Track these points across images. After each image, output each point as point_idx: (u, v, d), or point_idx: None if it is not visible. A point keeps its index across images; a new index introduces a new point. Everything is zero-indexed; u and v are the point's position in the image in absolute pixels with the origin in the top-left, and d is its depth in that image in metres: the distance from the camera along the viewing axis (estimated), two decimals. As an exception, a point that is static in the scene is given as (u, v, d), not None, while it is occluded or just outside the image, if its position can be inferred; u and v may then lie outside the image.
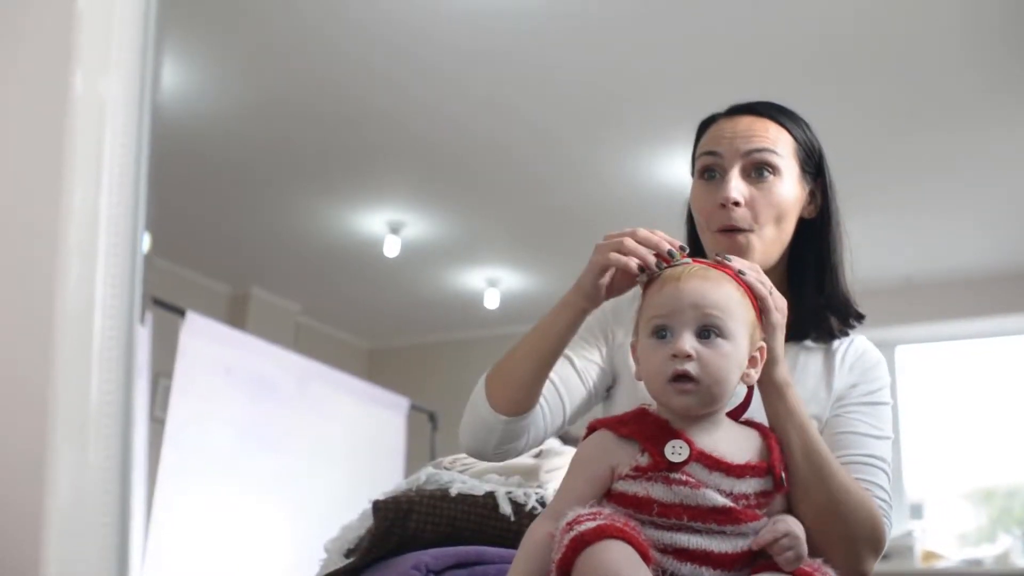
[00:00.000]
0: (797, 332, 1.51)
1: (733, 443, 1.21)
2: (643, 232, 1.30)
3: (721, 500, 1.15)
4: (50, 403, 0.81)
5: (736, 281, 1.24)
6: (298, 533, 4.52)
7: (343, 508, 2.30)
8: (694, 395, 1.18)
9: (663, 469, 1.16)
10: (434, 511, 1.81)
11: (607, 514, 1.14)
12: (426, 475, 1.93)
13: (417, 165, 4.80)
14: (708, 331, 1.19)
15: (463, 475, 1.94)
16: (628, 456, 1.19)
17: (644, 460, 1.17)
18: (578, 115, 4.30)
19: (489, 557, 1.74)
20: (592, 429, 1.25)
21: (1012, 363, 5.82)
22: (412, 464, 5.14)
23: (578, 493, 1.19)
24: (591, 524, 1.10)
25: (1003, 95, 3.97)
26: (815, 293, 1.54)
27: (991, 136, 4.26)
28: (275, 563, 4.47)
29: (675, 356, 1.17)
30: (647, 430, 1.20)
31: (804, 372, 1.51)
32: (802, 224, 1.56)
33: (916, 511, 5.80)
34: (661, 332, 1.20)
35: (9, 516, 0.80)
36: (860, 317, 1.56)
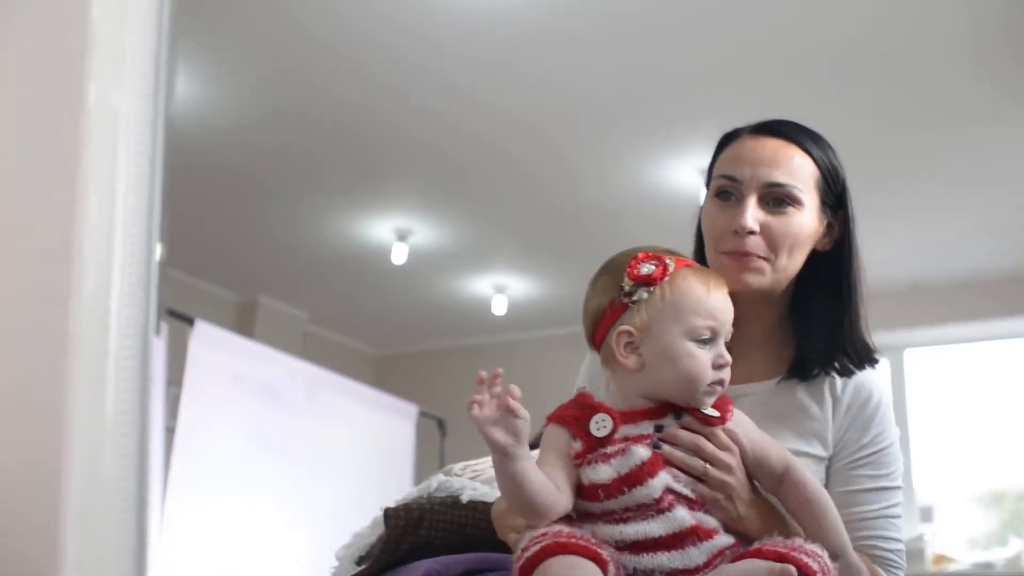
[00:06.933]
0: (798, 370, 1.48)
1: None
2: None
3: (645, 453, 1.22)
4: (66, 414, 0.81)
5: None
6: (308, 540, 4.53)
7: (352, 515, 2.30)
8: (717, 396, 1.28)
9: (596, 447, 1.22)
10: (445, 518, 1.81)
11: (554, 532, 1.18)
12: (437, 482, 1.93)
13: (423, 173, 4.81)
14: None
15: (474, 482, 1.94)
16: (569, 443, 1.25)
17: (578, 445, 1.24)
18: (582, 122, 4.30)
19: (500, 564, 1.74)
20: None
21: (1021, 365, 5.80)
22: (421, 471, 5.14)
23: (548, 467, 1.24)
24: (535, 548, 1.16)
25: (1010, 97, 3.97)
26: (826, 332, 1.50)
27: (999, 138, 4.26)
28: (285, 570, 4.48)
29: (723, 366, 1.26)
30: (572, 414, 1.26)
31: (800, 410, 1.48)
32: (813, 255, 1.51)
33: (926, 514, 5.78)
34: (706, 339, 1.26)
35: (27, 525, 0.80)
36: (875, 362, 1.52)
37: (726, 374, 1.25)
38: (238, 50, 3.88)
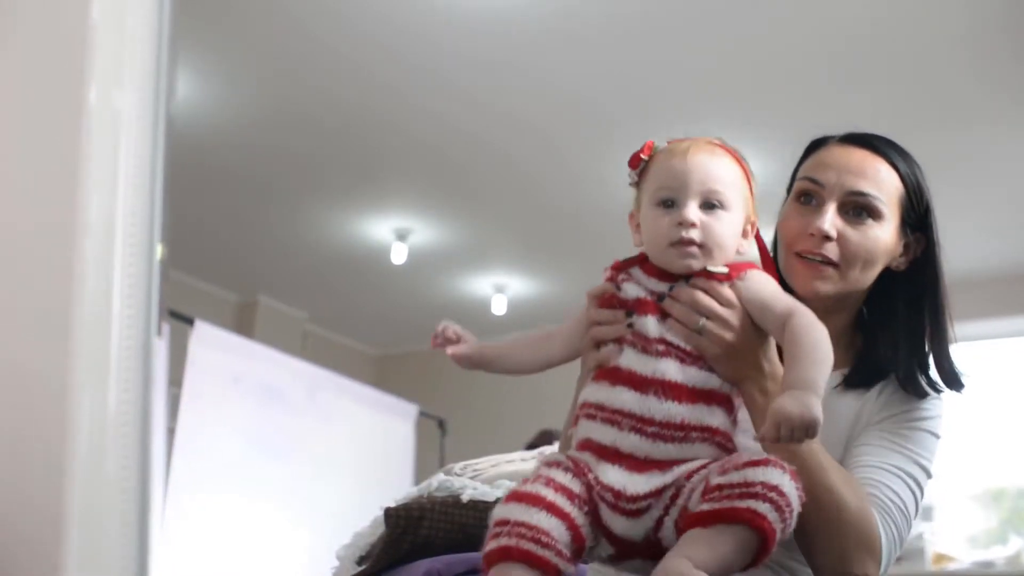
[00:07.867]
0: (854, 381, 1.46)
1: None
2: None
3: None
4: (68, 415, 0.82)
5: (735, 160, 1.32)
6: (308, 540, 4.53)
7: (353, 515, 2.30)
8: (697, 257, 1.25)
9: (622, 269, 1.29)
10: (446, 517, 1.81)
11: (508, 527, 1.17)
12: (437, 482, 1.93)
13: (423, 173, 4.81)
14: (711, 203, 1.26)
15: (474, 481, 1.94)
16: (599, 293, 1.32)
17: (608, 272, 1.31)
18: (582, 122, 4.30)
19: (501, 563, 1.73)
20: None
21: (1020, 364, 5.80)
22: (421, 471, 5.15)
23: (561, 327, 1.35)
24: (491, 545, 1.17)
25: (1010, 97, 3.97)
26: (907, 352, 1.49)
27: (997, 138, 4.26)
28: (286, 570, 4.48)
29: (681, 224, 1.24)
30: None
31: (846, 421, 1.44)
32: (886, 275, 1.50)
33: (926, 513, 5.78)
34: (667, 202, 1.27)
35: (30, 525, 0.81)
36: (962, 387, 1.52)
37: (690, 233, 1.23)
38: (238, 50, 3.88)
